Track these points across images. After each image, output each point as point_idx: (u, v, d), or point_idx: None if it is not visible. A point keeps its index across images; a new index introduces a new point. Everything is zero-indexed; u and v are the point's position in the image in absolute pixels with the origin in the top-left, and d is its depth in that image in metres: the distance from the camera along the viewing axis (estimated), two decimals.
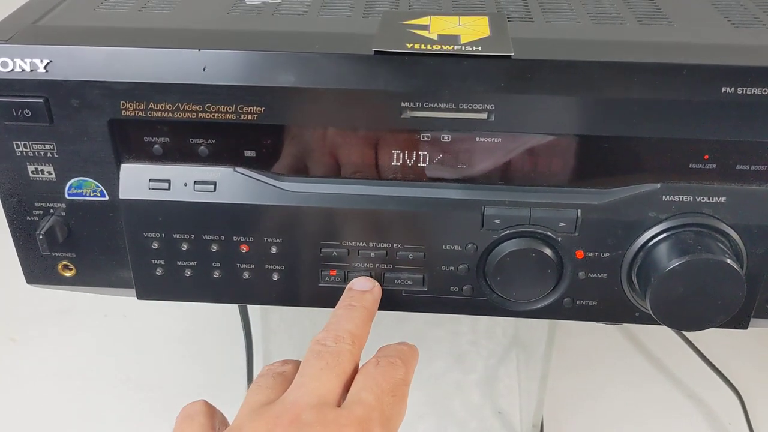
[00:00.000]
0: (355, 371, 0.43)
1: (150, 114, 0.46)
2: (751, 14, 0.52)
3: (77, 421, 0.77)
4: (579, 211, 0.46)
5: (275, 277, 0.50)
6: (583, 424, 0.77)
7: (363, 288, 0.48)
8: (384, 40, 0.45)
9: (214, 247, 0.49)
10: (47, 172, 0.49)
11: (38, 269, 0.52)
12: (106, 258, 0.51)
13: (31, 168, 0.48)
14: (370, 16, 0.51)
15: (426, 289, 0.50)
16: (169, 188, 0.48)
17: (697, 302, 0.45)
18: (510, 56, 0.43)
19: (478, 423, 0.78)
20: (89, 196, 0.49)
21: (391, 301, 0.50)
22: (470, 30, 0.46)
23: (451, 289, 0.49)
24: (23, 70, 0.45)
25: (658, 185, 0.46)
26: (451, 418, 0.78)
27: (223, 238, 0.49)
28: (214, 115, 0.46)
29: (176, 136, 0.47)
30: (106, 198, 0.49)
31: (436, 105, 0.45)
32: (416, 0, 0.55)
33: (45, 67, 0.45)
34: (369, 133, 0.47)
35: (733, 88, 0.43)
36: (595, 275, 0.48)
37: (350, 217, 0.48)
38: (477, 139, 0.46)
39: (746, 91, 0.43)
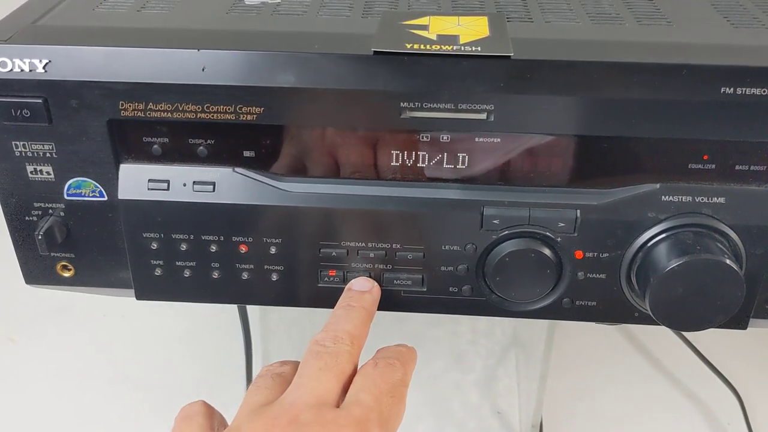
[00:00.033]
0: (354, 372, 0.43)
1: (149, 114, 0.46)
2: (751, 14, 0.52)
3: (76, 421, 0.77)
4: (578, 211, 0.46)
5: (274, 277, 0.50)
6: (582, 424, 0.77)
7: (362, 288, 0.48)
8: (383, 40, 0.45)
9: (213, 248, 0.49)
10: (46, 172, 0.48)
11: (37, 269, 0.52)
12: (105, 258, 0.51)
13: (30, 168, 0.48)
14: (370, 16, 0.51)
15: (425, 290, 0.50)
16: (168, 188, 0.48)
17: (696, 303, 0.45)
18: (509, 56, 0.43)
19: (477, 423, 0.78)
20: (88, 196, 0.49)
21: (390, 302, 0.50)
22: (469, 30, 0.46)
23: (451, 289, 0.49)
24: (22, 70, 0.45)
25: (658, 185, 0.46)
26: (450, 419, 0.78)
27: (222, 238, 0.49)
28: (213, 116, 0.46)
29: (175, 136, 0.47)
30: (105, 198, 0.49)
31: (435, 105, 0.45)
32: (415, 0, 0.55)
33: (44, 67, 0.45)
34: (368, 133, 0.47)
35: (732, 89, 0.43)
36: (594, 275, 0.48)
37: (349, 218, 0.48)
38: (476, 140, 0.46)
39: (745, 91, 0.43)
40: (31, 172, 0.49)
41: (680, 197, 0.46)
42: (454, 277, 0.49)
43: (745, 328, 0.49)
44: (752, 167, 0.45)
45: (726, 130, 0.44)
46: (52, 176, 0.49)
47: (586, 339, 0.87)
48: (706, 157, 0.45)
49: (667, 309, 0.45)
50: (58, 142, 0.47)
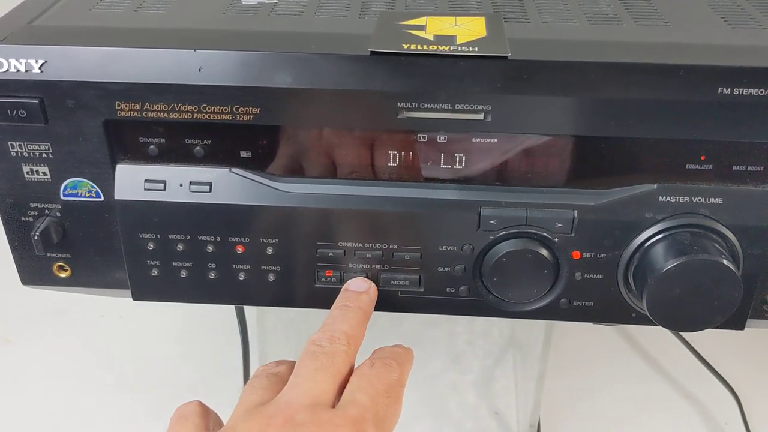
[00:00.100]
0: (351, 372, 0.43)
1: (145, 114, 0.46)
2: (748, 15, 0.52)
3: (73, 421, 0.77)
4: (575, 211, 0.46)
5: (271, 277, 0.50)
6: (580, 425, 0.77)
7: (359, 289, 0.48)
8: (380, 40, 0.45)
9: (210, 248, 0.49)
10: (42, 172, 0.48)
11: (33, 270, 0.52)
12: (101, 259, 0.51)
13: (26, 168, 0.48)
14: (367, 17, 0.51)
15: (422, 290, 0.50)
16: (164, 189, 0.48)
17: (693, 303, 0.45)
18: (506, 57, 0.43)
19: (475, 423, 0.78)
20: (84, 196, 0.49)
21: (387, 302, 0.50)
22: (467, 30, 0.46)
23: (448, 289, 0.49)
24: (18, 71, 0.45)
25: (655, 186, 0.46)
26: (447, 419, 0.78)
27: (218, 238, 0.49)
28: (209, 116, 0.46)
29: (172, 136, 0.47)
30: (102, 199, 0.49)
31: (432, 105, 0.45)
32: (413, 0, 0.55)
33: (40, 68, 0.45)
34: (365, 133, 0.47)
35: (729, 89, 0.43)
36: (591, 276, 0.48)
37: (346, 218, 0.48)
38: (473, 140, 0.46)
39: (743, 91, 0.43)
40: (28, 173, 0.48)
41: (677, 198, 0.46)
42: (451, 278, 0.49)
43: (742, 328, 0.49)
44: (749, 168, 0.45)
45: (723, 130, 0.44)
46: (49, 177, 0.48)
47: (584, 339, 0.87)
48: (703, 158, 0.45)
49: (664, 309, 0.45)
50: (54, 143, 0.47)
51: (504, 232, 0.47)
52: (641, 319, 0.49)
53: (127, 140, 0.47)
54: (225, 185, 0.48)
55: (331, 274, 0.49)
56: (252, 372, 0.46)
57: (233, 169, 0.48)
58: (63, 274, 0.52)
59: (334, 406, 0.41)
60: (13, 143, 0.47)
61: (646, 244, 0.46)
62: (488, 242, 0.47)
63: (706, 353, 0.79)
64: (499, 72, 0.44)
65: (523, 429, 0.75)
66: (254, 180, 0.48)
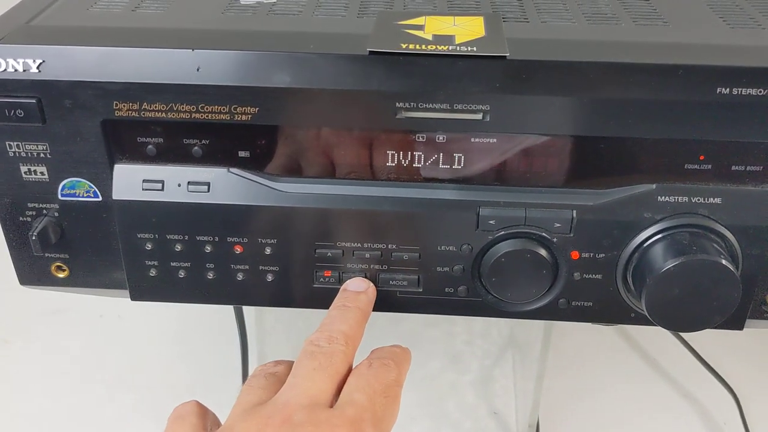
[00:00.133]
0: (349, 372, 0.43)
1: (143, 114, 0.46)
2: (747, 14, 0.52)
3: (72, 421, 0.77)
4: (574, 211, 0.46)
5: (269, 278, 0.50)
6: (578, 425, 0.77)
7: (357, 289, 0.48)
8: (379, 40, 0.45)
9: (208, 248, 0.49)
10: (40, 172, 0.48)
11: (31, 270, 0.52)
12: (99, 259, 0.51)
13: (23, 168, 0.48)
14: (365, 16, 0.51)
15: (421, 290, 0.50)
16: (162, 189, 0.48)
17: (692, 303, 0.45)
18: (505, 57, 0.43)
19: (473, 423, 0.78)
20: (82, 196, 0.49)
21: (385, 302, 0.50)
22: (465, 30, 0.46)
23: (446, 290, 0.49)
24: (16, 70, 0.45)
25: (654, 186, 0.46)
26: (445, 419, 0.78)
27: (216, 239, 0.49)
28: (207, 116, 0.46)
29: (170, 136, 0.47)
30: (100, 199, 0.49)
31: (431, 105, 0.45)
32: (411, 0, 0.55)
33: (38, 67, 0.45)
34: (364, 133, 0.47)
35: (728, 89, 0.43)
36: (590, 276, 0.48)
37: (345, 218, 0.48)
38: (472, 140, 0.46)
39: (741, 91, 0.43)
40: (25, 173, 0.48)
41: (676, 198, 0.46)
42: (449, 278, 0.49)
43: (741, 328, 0.49)
44: (748, 167, 0.45)
45: (722, 130, 0.44)
46: (46, 176, 0.48)
47: (583, 339, 0.87)
48: (702, 158, 0.45)
49: (663, 310, 0.45)
50: (52, 143, 0.47)
51: (503, 232, 0.47)
52: (640, 319, 0.49)
53: (125, 140, 0.47)
54: (223, 185, 0.48)
55: (329, 274, 0.49)
56: (251, 372, 0.46)
57: (231, 169, 0.48)
58: (61, 275, 0.52)
59: (332, 406, 0.41)
60: (11, 143, 0.47)
61: (645, 244, 0.46)
62: (487, 242, 0.47)
63: (705, 353, 0.79)
64: (498, 72, 0.44)
65: (522, 429, 0.75)
66: (252, 180, 0.48)
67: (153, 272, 0.50)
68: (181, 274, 0.50)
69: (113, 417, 0.77)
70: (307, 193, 0.48)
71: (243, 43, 0.46)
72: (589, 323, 0.51)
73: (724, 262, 0.44)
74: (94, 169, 0.48)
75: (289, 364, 0.45)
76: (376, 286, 0.49)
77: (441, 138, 0.46)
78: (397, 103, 0.45)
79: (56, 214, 0.50)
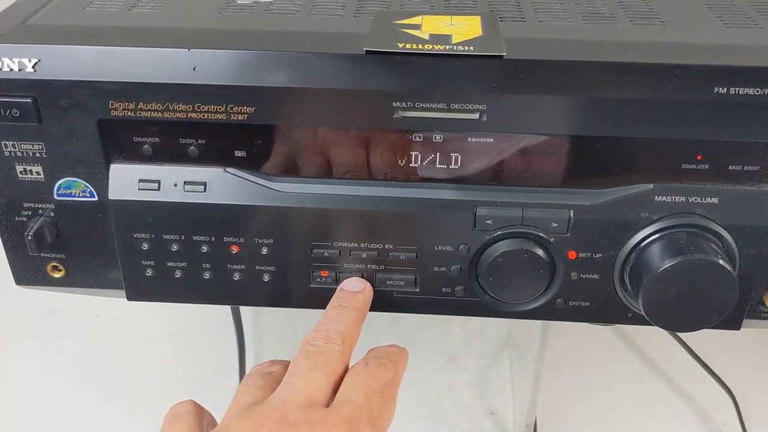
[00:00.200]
0: (345, 372, 0.43)
1: (139, 114, 0.46)
2: (744, 14, 0.52)
3: (69, 421, 0.76)
4: (571, 211, 0.46)
5: (266, 278, 0.50)
6: (576, 425, 0.77)
7: (354, 289, 0.48)
8: (376, 39, 0.44)
9: (205, 248, 0.49)
10: (36, 172, 0.48)
11: (27, 270, 0.52)
12: (95, 259, 0.51)
13: (19, 168, 0.48)
14: (362, 16, 0.51)
15: (418, 290, 0.49)
16: (158, 189, 0.48)
17: (689, 303, 0.45)
18: (502, 56, 0.43)
19: (470, 423, 0.77)
20: (78, 196, 0.49)
21: (382, 302, 0.50)
22: (462, 30, 0.46)
23: (443, 290, 0.49)
24: (11, 70, 0.45)
25: (651, 186, 0.46)
26: (443, 419, 0.78)
27: (213, 238, 0.48)
28: (204, 115, 0.45)
29: (166, 136, 0.47)
30: (96, 198, 0.49)
31: (427, 105, 0.44)
32: None
33: (33, 67, 0.44)
34: (360, 133, 0.47)
35: (725, 89, 0.43)
36: (587, 276, 0.48)
37: (342, 218, 0.48)
38: (469, 140, 0.46)
39: (739, 91, 0.43)
40: (21, 172, 0.48)
41: (673, 197, 0.46)
42: (446, 278, 0.49)
43: (738, 328, 0.49)
44: (746, 167, 0.45)
45: (719, 130, 0.44)
46: (42, 176, 0.48)
47: (580, 339, 0.87)
48: (699, 157, 0.45)
49: (660, 309, 0.45)
50: (47, 142, 0.47)
51: (500, 232, 0.47)
52: (637, 319, 0.49)
53: (121, 140, 0.47)
54: (219, 185, 0.47)
55: (326, 274, 0.49)
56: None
57: (228, 169, 0.48)
58: (57, 275, 0.52)
59: (328, 406, 0.41)
60: (7, 143, 0.47)
61: (642, 244, 0.46)
62: (484, 242, 0.47)
63: (703, 353, 0.79)
64: (495, 71, 0.43)
65: (520, 429, 0.75)
66: (249, 180, 0.47)
67: (149, 272, 0.50)
68: (178, 274, 0.50)
69: (111, 417, 0.77)
70: (304, 193, 0.47)
71: (239, 42, 0.46)
72: (587, 323, 0.51)
73: (721, 262, 0.44)
74: (90, 168, 0.48)
75: (286, 364, 0.45)
76: (373, 286, 0.49)
77: (438, 138, 0.46)
78: (393, 103, 0.44)
79: (52, 214, 0.50)
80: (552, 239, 0.47)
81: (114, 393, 0.80)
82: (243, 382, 0.44)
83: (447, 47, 0.44)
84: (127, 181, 0.48)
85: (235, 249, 0.49)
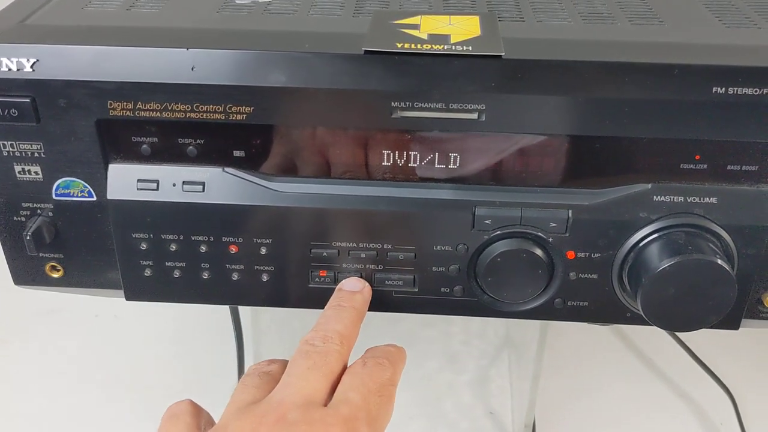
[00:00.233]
0: (343, 372, 0.43)
1: (138, 114, 0.46)
2: (743, 14, 0.52)
3: (68, 421, 0.76)
4: (570, 211, 0.46)
5: (265, 278, 0.49)
6: (575, 424, 0.77)
7: (353, 289, 0.48)
8: (374, 39, 0.44)
9: (203, 248, 0.49)
10: (34, 172, 0.48)
11: (26, 270, 0.52)
12: (94, 259, 0.51)
13: (18, 168, 0.48)
14: (361, 16, 0.51)
15: (417, 290, 0.49)
16: (157, 188, 0.48)
17: (688, 303, 0.45)
18: (501, 56, 0.43)
19: (470, 423, 0.77)
20: (77, 196, 0.49)
21: (381, 302, 0.50)
22: (461, 29, 0.46)
23: (442, 289, 0.49)
24: (10, 70, 0.44)
25: (649, 185, 0.46)
26: (442, 419, 0.78)
27: (212, 238, 0.48)
28: (202, 115, 0.45)
29: (164, 136, 0.47)
30: (94, 198, 0.49)
31: (426, 105, 0.44)
32: None
33: (32, 67, 0.44)
34: (359, 133, 0.47)
35: (724, 88, 0.43)
36: (586, 276, 0.48)
37: (340, 218, 0.48)
38: (468, 140, 0.46)
39: (737, 91, 0.43)
40: (19, 172, 0.48)
41: (672, 197, 0.46)
42: (445, 278, 0.49)
43: (737, 328, 0.49)
44: (744, 167, 0.45)
45: (718, 130, 0.44)
46: (41, 176, 0.48)
47: (579, 339, 0.87)
48: (698, 157, 0.45)
49: (659, 309, 0.45)
50: (46, 142, 0.47)
51: (498, 232, 0.47)
52: (636, 319, 0.49)
53: (120, 140, 0.47)
54: (218, 185, 0.47)
55: (324, 274, 0.49)
56: None
57: (226, 169, 0.47)
58: (55, 275, 0.52)
59: (326, 405, 0.41)
60: (5, 143, 0.47)
61: (641, 244, 0.46)
62: (483, 242, 0.47)
63: (702, 353, 0.79)
64: (494, 71, 0.43)
65: (519, 429, 0.75)
66: (247, 180, 0.47)
67: (148, 272, 0.50)
68: (176, 274, 0.50)
69: (110, 417, 0.77)
70: (303, 193, 0.47)
71: (238, 42, 0.45)
72: (585, 323, 0.51)
73: (719, 261, 0.44)
74: (88, 168, 0.48)
75: (284, 363, 0.45)
76: (371, 286, 0.49)
77: (436, 137, 0.46)
78: (392, 103, 0.44)
79: (50, 214, 0.50)
80: (551, 239, 0.47)
81: (114, 393, 0.80)
82: (241, 382, 0.44)
83: (446, 47, 0.44)
84: (125, 181, 0.48)
85: (233, 249, 0.49)
